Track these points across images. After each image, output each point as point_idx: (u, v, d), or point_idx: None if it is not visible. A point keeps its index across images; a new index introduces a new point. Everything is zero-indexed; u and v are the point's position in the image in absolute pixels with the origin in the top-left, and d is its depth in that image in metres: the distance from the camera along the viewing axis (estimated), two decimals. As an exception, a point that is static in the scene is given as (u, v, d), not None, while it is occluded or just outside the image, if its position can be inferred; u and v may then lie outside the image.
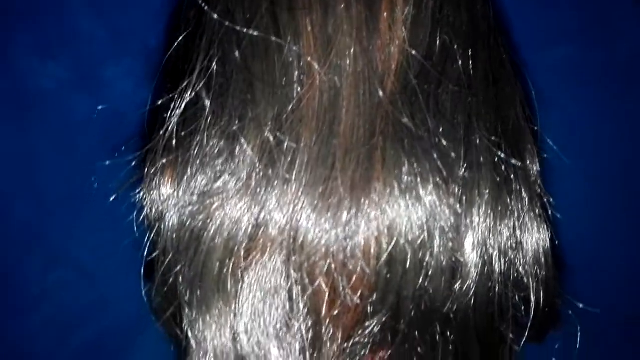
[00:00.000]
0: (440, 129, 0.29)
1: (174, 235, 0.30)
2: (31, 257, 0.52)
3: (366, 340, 0.30)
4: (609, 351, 0.55)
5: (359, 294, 0.29)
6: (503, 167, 0.31)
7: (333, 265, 0.28)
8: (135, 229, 0.33)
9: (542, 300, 0.33)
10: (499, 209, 0.31)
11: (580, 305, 0.35)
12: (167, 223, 0.30)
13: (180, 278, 0.30)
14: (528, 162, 0.33)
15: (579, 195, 0.51)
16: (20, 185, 0.51)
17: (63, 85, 0.50)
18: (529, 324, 0.32)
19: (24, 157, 0.51)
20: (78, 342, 0.54)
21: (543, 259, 0.33)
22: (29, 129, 0.50)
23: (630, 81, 0.52)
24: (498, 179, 0.31)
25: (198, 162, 0.29)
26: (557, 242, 0.34)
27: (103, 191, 0.49)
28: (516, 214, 0.32)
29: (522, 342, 0.33)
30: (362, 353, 0.30)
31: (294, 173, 0.28)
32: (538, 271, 0.32)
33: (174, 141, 0.30)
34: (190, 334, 0.30)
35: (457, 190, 0.29)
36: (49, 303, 0.53)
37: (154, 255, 0.31)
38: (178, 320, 0.32)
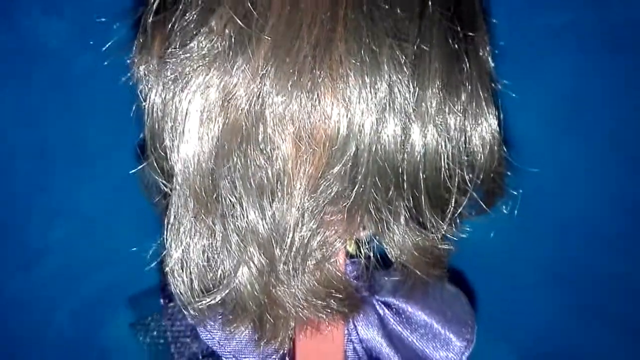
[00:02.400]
0: (397, 1, 0.33)
1: (161, 90, 0.34)
2: (34, 210, 0.53)
3: (329, 188, 0.34)
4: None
5: (322, 144, 0.33)
6: (455, 43, 0.35)
7: (297, 115, 0.32)
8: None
9: (487, 165, 0.37)
10: (450, 79, 0.35)
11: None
12: (155, 80, 0.34)
13: (165, 126, 0.34)
14: (480, 44, 0.37)
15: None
16: (23, 139, 0.52)
17: (67, 40, 0.50)
18: (474, 184, 0.37)
19: (27, 112, 0.51)
20: (81, 296, 0.54)
21: (489, 133, 0.37)
22: (32, 84, 0.51)
23: (624, 46, 0.52)
24: (449, 52, 0.35)
25: (184, 22, 0.33)
26: (502, 116, 0.38)
27: (104, 147, 0.52)
28: (466, 87, 0.35)
29: (465, 203, 0.37)
30: (325, 200, 0.34)
31: (266, 33, 0.32)
32: (485, 139, 0.37)
33: (162, 5, 0.34)
34: (174, 170, 0.34)
35: (411, 57, 0.33)
36: (51, 257, 0.53)
37: (144, 106, 0.35)
38: (164, 170, 0.37)
